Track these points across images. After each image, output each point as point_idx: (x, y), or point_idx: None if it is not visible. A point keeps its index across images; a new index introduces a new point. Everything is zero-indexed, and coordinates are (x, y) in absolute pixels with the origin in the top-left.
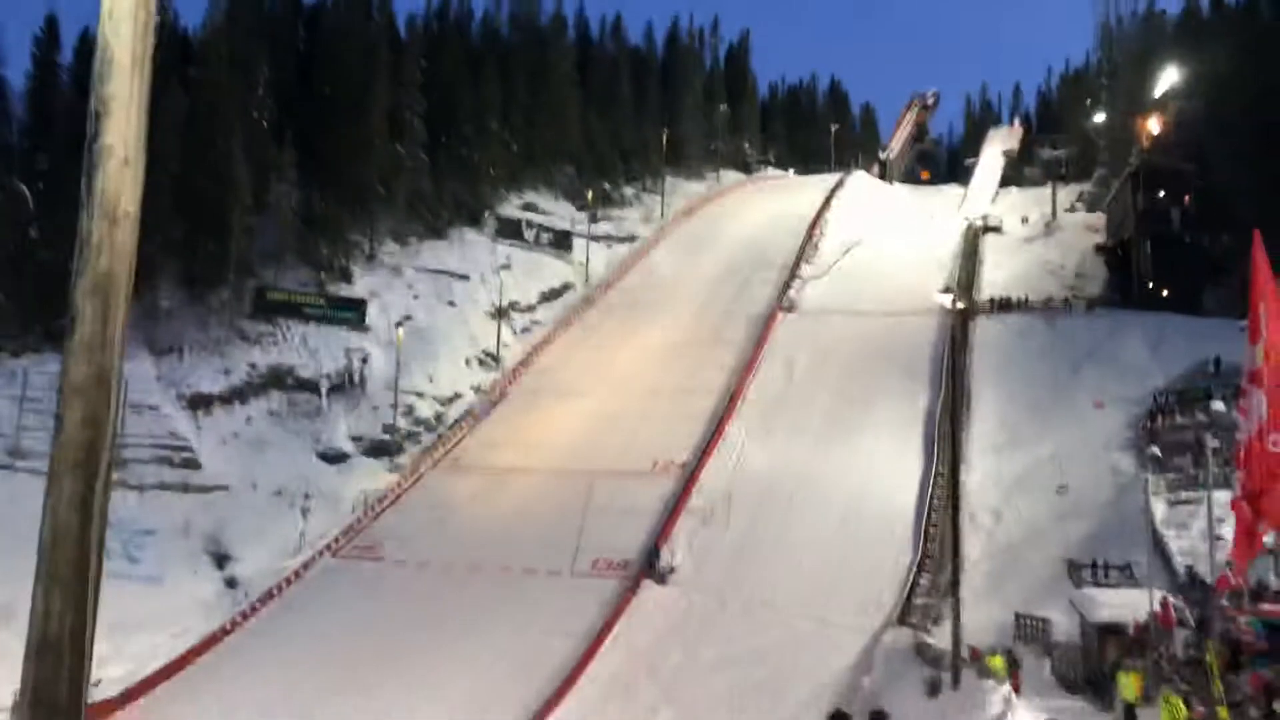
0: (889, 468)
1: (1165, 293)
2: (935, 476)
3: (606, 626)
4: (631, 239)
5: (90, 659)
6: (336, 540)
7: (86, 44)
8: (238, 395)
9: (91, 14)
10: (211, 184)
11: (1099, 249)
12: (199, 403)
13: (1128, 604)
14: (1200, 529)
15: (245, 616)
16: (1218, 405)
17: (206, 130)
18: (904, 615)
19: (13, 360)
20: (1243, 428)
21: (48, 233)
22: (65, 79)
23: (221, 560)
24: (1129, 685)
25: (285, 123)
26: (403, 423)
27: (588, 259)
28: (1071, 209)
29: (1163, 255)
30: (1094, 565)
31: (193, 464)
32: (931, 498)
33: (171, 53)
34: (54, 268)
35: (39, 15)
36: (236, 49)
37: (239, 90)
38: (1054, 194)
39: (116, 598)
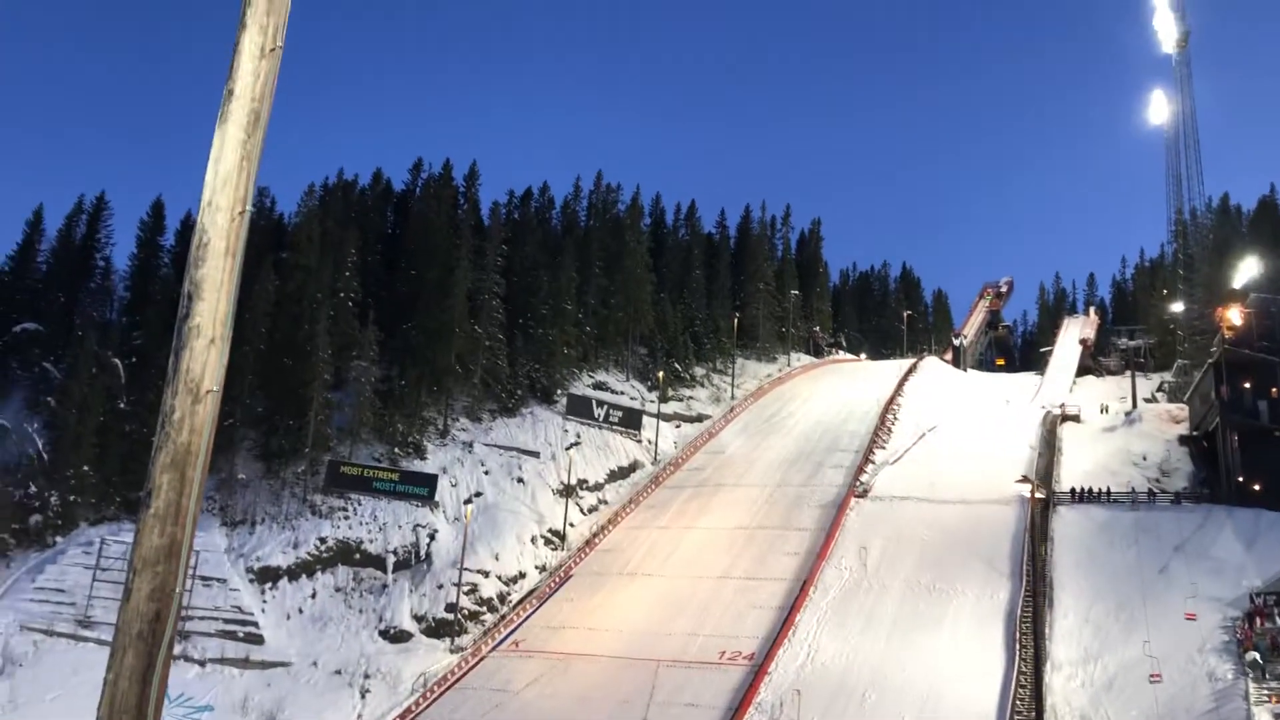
0: (968, 666)
1: (1257, 487)
2: (1018, 677)
3: None
4: (700, 419)
5: None
6: None
7: (188, 228)
8: (305, 569)
9: (194, 198)
10: (295, 362)
11: (1183, 440)
12: (267, 576)
13: None
14: None
15: None
16: None
17: (294, 311)
18: None
19: (90, 529)
20: None
21: (135, 406)
22: (166, 260)
23: None
24: None
25: (369, 302)
26: (466, 602)
27: (657, 438)
28: (1152, 399)
29: (1252, 448)
30: None
31: (256, 639)
32: (1014, 700)
33: (266, 237)
34: (138, 439)
35: (147, 199)
36: (328, 233)
37: (327, 272)
38: (1134, 383)
39: None
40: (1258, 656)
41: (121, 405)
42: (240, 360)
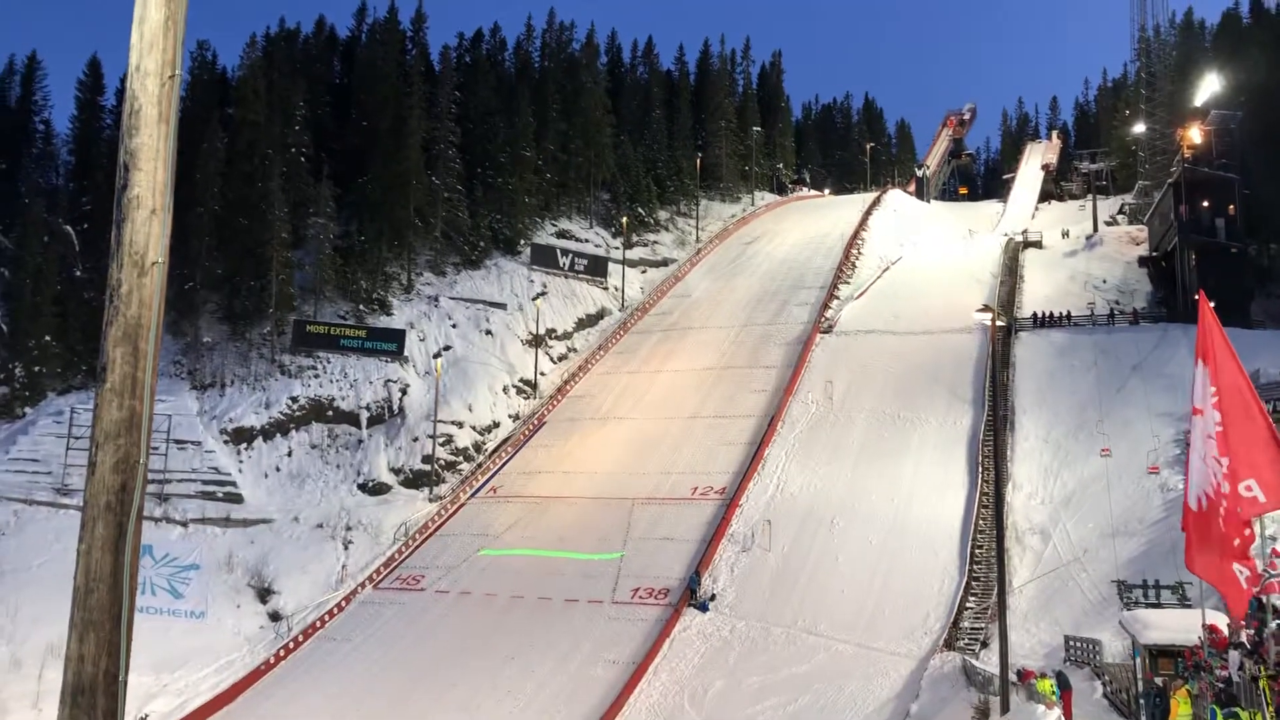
0: (932, 489)
1: (1212, 304)
2: (980, 497)
3: (649, 655)
4: (666, 263)
5: (123, 702)
6: (378, 571)
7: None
8: (279, 428)
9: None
10: (251, 221)
11: (1142, 261)
12: (241, 437)
13: (1180, 625)
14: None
15: (289, 650)
16: None
17: (245, 169)
18: (951, 639)
19: (59, 398)
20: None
21: (92, 273)
22: (108, 122)
23: (264, 594)
24: (1181, 708)
25: (322, 157)
26: (442, 452)
27: (623, 284)
28: (1113, 222)
29: (1208, 266)
30: (1144, 585)
31: (235, 498)
32: (977, 519)
33: (210, 93)
34: (98, 307)
35: (81, 58)
36: (274, 87)
37: (276, 127)
38: (1094, 207)
39: (162, 634)
40: None
41: (78, 273)
42: (195, 222)
